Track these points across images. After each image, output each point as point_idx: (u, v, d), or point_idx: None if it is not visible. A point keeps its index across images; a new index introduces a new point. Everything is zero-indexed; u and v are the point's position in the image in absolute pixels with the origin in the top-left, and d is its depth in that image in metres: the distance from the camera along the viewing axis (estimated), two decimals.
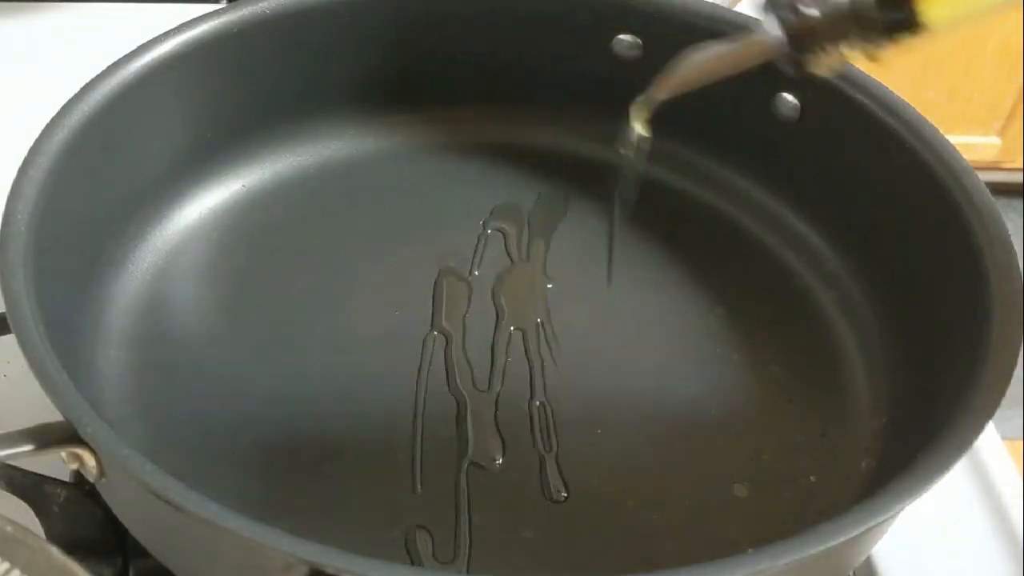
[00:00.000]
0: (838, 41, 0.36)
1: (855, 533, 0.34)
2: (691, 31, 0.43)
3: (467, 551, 0.42)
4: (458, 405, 0.47)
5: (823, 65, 0.37)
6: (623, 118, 0.57)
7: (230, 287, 0.51)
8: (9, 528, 0.33)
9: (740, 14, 0.51)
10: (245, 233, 0.53)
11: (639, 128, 0.43)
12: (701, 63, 0.40)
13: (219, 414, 0.46)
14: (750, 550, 0.42)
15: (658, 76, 0.41)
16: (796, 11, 0.36)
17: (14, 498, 0.41)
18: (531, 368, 0.48)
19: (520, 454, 0.45)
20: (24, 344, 0.37)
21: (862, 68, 0.49)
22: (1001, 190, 1.59)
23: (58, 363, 0.37)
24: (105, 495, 0.40)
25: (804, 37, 0.36)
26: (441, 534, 0.42)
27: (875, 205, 0.50)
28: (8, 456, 0.36)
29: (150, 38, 0.48)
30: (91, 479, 0.38)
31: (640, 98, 0.42)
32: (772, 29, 0.37)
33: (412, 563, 0.41)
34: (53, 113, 0.44)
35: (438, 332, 0.49)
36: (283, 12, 0.51)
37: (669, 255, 0.53)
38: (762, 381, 0.48)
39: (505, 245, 0.54)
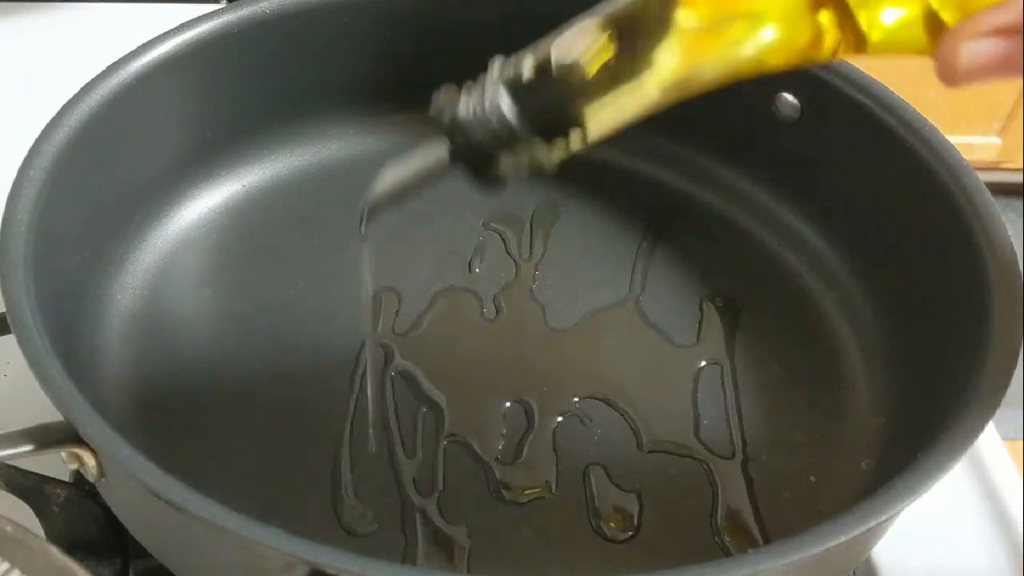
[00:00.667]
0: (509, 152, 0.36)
1: (855, 533, 0.34)
2: None
3: (467, 550, 0.42)
4: (459, 404, 0.47)
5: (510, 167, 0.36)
6: None
7: (230, 287, 0.51)
8: (9, 528, 0.33)
9: None
10: (245, 233, 0.53)
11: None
12: (398, 178, 0.40)
13: (219, 414, 0.46)
14: (750, 550, 0.42)
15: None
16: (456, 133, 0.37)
17: (14, 498, 0.42)
18: (531, 367, 0.48)
19: (520, 453, 0.45)
20: (24, 344, 0.37)
21: (860, 67, 0.50)
22: (1001, 190, 1.59)
23: (58, 363, 0.37)
24: (105, 495, 0.40)
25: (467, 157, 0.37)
26: (441, 534, 0.42)
27: (875, 205, 0.50)
28: (8, 456, 0.36)
29: (150, 38, 0.48)
30: (91, 479, 0.38)
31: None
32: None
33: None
34: (53, 113, 0.44)
35: (438, 332, 0.49)
36: (283, 12, 0.51)
37: (668, 254, 0.53)
38: (762, 381, 0.48)
39: (505, 245, 0.54)
